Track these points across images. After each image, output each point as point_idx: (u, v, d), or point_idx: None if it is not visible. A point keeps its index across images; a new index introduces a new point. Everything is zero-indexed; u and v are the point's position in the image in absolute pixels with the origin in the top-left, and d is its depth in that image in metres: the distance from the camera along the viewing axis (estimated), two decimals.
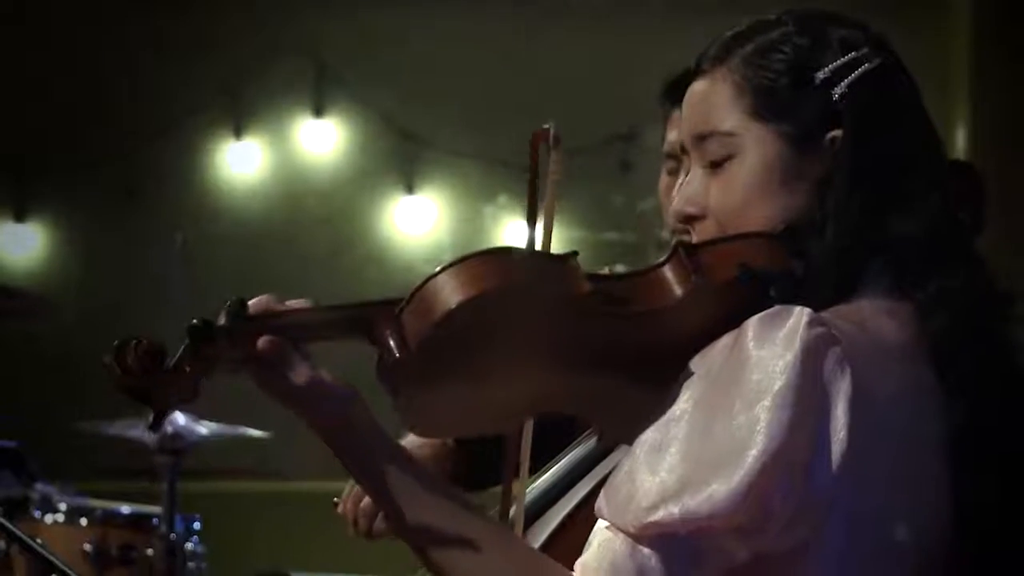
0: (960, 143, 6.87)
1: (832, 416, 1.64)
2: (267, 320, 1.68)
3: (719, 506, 1.60)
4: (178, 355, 1.65)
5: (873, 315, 1.74)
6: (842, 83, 1.80)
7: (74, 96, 6.86)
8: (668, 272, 1.73)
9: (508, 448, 2.01)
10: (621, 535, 1.65)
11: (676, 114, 2.28)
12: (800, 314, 1.65)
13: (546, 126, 1.93)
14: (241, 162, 7.09)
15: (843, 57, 1.80)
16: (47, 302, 5.70)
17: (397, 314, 1.68)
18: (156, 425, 1.68)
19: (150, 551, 4.67)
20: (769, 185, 1.79)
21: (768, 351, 1.63)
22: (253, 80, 6.96)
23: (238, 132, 7.05)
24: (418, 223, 7.09)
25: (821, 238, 1.76)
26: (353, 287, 6.65)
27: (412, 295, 1.67)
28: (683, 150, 1.87)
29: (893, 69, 1.83)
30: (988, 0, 6.92)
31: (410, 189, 7.08)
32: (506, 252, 1.70)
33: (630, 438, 1.69)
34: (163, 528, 4.61)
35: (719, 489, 1.60)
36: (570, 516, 2.30)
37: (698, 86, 1.85)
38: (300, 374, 1.67)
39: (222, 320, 1.65)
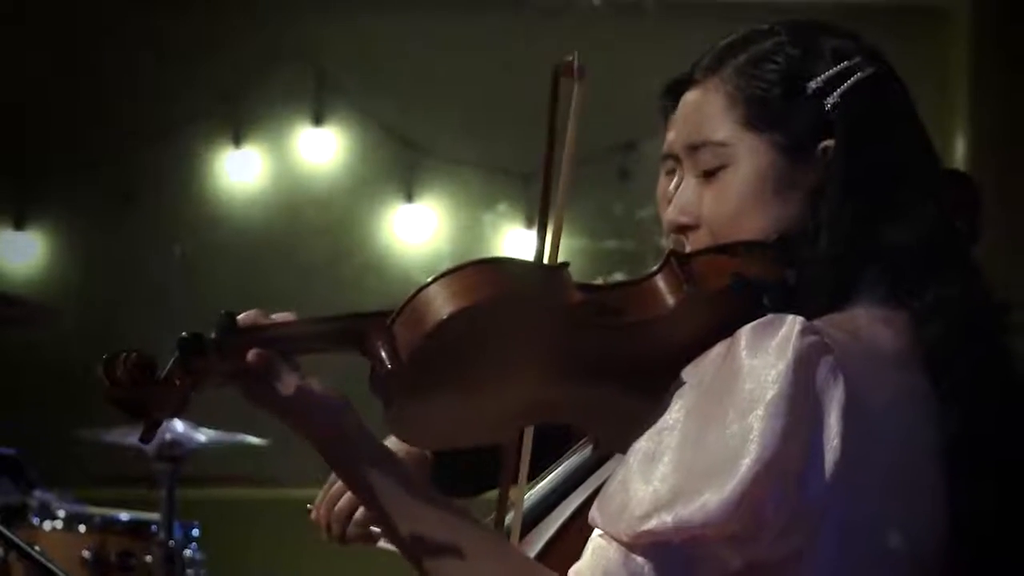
0: (959, 150, 6.87)
1: (825, 425, 1.64)
2: (256, 333, 1.68)
3: (712, 515, 1.60)
4: (168, 368, 1.65)
5: (868, 324, 1.74)
6: (834, 93, 1.80)
7: (74, 97, 6.86)
8: (661, 282, 1.73)
9: (504, 456, 2.01)
10: (615, 544, 1.65)
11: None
12: (793, 323, 1.65)
13: (569, 58, 1.92)
14: (240, 170, 7.08)
15: (835, 67, 1.81)
16: (46, 310, 5.70)
17: (389, 325, 1.68)
18: (146, 437, 1.68)
19: (149, 558, 4.67)
20: (762, 195, 1.79)
21: (761, 360, 1.63)
22: (252, 88, 6.96)
23: (237, 140, 7.05)
24: (417, 231, 7.08)
25: (814, 247, 1.76)
26: (352, 296, 6.64)
27: (404, 306, 1.68)
28: (676, 159, 1.88)
29: (886, 78, 1.84)
30: (987, 7, 6.92)
31: (409, 197, 7.08)
32: (498, 263, 1.70)
33: (624, 447, 1.70)
34: (162, 535, 4.61)
35: (712, 498, 1.60)
36: (566, 526, 2.29)
37: (691, 96, 1.85)
38: (289, 386, 1.67)
39: (212, 333, 1.65)
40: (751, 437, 1.60)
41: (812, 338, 1.65)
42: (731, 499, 1.59)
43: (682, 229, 1.84)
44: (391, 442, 1.88)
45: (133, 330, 6.19)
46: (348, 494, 2.31)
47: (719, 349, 1.67)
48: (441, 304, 1.65)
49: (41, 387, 6.30)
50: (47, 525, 4.69)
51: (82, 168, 6.87)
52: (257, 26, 6.99)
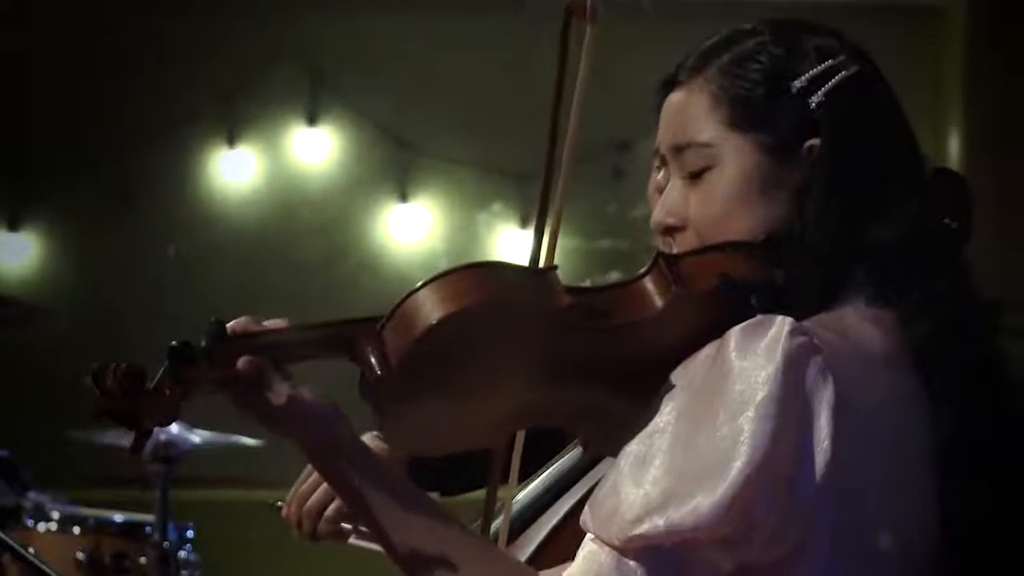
0: (953, 149, 6.87)
1: (815, 426, 1.63)
2: (246, 340, 1.68)
3: (704, 518, 1.59)
4: (158, 377, 1.64)
5: (857, 323, 1.74)
6: (818, 92, 1.79)
7: (72, 97, 6.86)
8: (649, 283, 1.72)
9: (491, 457, 2.01)
10: (606, 548, 1.64)
11: None
12: (782, 324, 1.64)
13: None
14: (234, 170, 7.08)
15: (819, 66, 1.80)
16: (40, 311, 5.71)
17: (378, 331, 1.67)
18: (137, 447, 1.68)
19: (143, 559, 4.68)
20: (748, 195, 1.79)
21: (750, 362, 1.63)
22: (247, 88, 6.96)
23: (231, 140, 7.05)
24: (412, 231, 7.08)
25: (801, 246, 1.75)
26: (347, 295, 6.65)
27: (393, 312, 1.67)
28: (663, 160, 1.87)
29: (870, 77, 1.83)
30: (981, 6, 6.92)
31: (404, 197, 7.08)
32: (486, 267, 1.69)
33: (615, 450, 1.69)
34: (156, 536, 4.62)
35: (703, 501, 1.59)
36: (557, 529, 2.30)
37: (675, 97, 1.85)
38: (280, 395, 1.67)
39: (202, 342, 1.65)
40: (741, 439, 1.60)
41: (801, 339, 1.64)
42: (722, 502, 1.59)
43: (669, 230, 1.83)
44: (367, 438, 1.88)
45: (128, 330, 6.22)
46: (318, 491, 2.31)
47: (708, 351, 1.67)
48: (430, 309, 1.65)
49: (35, 388, 6.29)
50: (41, 527, 4.69)
51: (77, 169, 6.86)
52: (257, 26, 6.99)
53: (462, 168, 7.03)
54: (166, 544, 4.60)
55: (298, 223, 7.03)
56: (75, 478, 5.29)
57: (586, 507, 1.68)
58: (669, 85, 1.86)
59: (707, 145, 1.81)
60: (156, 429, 1.72)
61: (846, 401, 1.65)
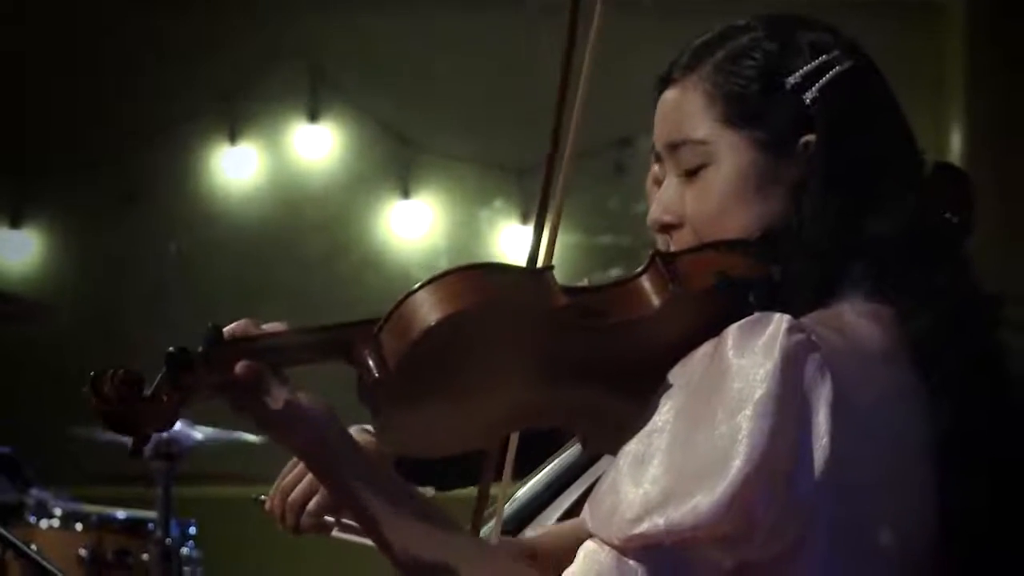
0: (955, 144, 6.87)
1: (814, 423, 1.63)
2: (244, 345, 1.67)
3: (703, 517, 1.59)
4: (156, 383, 1.64)
5: (855, 319, 1.73)
6: (813, 87, 1.79)
7: (73, 97, 6.86)
8: (646, 282, 1.72)
9: (486, 454, 2.01)
10: (606, 547, 1.64)
11: None
12: (779, 321, 1.64)
13: None
14: (236, 167, 7.08)
15: (813, 61, 1.79)
16: (42, 307, 5.71)
17: (376, 334, 1.68)
18: (136, 453, 1.67)
19: (145, 556, 4.67)
20: (744, 192, 1.78)
21: (748, 359, 1.62)
22: (247, 86, 6.96)
23: (233, 137, 7.05)
24: (414, 227, 7.08)
25: (798, 243, 1.75)
26: (349, 292, 6.65)
27: (390, 314, 1.67)
28: (658, 158, 1.87)
29: (865, 72, 1.82)
30: (982, 2, 6.92)
31: (406, 194, 7.08)
32: (482, 268, 1.69)
33: (614, 449, 1.69)
34: (158, 533, 4.61)
35: (703, 500, 1.59)
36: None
37: (670, 95, 1.84)
38: (278, 399, 1.67)
39: (199, 347, 1.65)
40: (740, 438, 1.60)
41: (799, 336, 1.64)
42: (722, 500, 1.58)
43: (666, 228, 1.83)
44: (355, 430, 1.88)
45: (129, 327, 6.23)
46: (301, 485, 2.31)
47: (706, 349, 1.67)
48: (427, 311, 1.65)
49: (37, 385, 6.29)
50: (43, 523, 4.70)
51: (79, 167, 6.86)
52: (257, 26, 6.99)
53: (463, 164, 7.03)
54: (168, 541, 4.59)
55: (300, 220, 7.03)
56: (77, 475, 5.30)
57: (586, 506, 1.68)
58: (664, 83, 1.86)
59: (702, 142, 1.80)
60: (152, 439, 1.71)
61: (844, 397, 1.64)
